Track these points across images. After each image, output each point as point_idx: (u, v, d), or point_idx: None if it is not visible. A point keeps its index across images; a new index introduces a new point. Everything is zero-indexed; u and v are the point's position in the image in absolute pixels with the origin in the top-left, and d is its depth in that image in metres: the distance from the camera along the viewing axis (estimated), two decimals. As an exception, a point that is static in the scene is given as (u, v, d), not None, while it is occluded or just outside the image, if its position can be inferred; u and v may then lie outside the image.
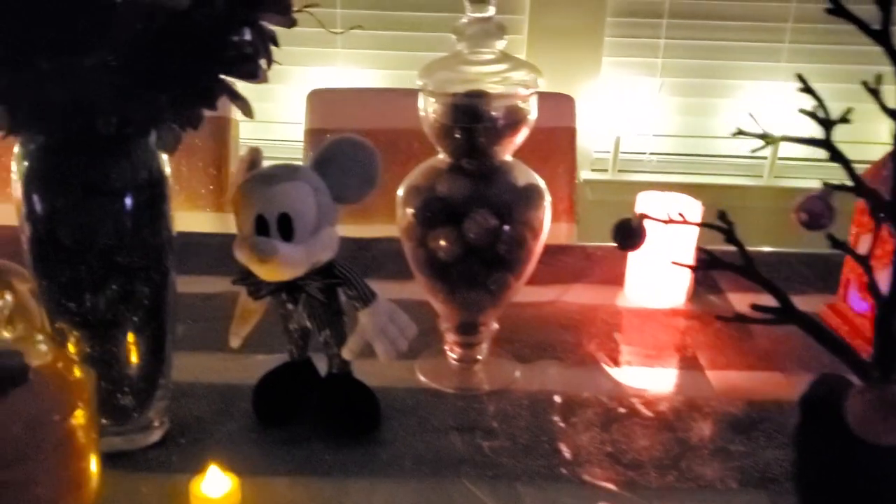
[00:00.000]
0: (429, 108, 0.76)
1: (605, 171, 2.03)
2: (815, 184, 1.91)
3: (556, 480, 0.69)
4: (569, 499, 0.67)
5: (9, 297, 0.50)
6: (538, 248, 0.78)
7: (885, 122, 0.54)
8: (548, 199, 0.78)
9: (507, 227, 0.75)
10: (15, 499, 0.51)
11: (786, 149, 1.99)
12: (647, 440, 0.75)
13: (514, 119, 0.75)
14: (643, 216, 0.62)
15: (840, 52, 1.90)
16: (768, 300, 0.60)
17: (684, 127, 2.02)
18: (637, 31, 1.93)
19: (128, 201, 0.64)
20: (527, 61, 0.76)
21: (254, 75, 0.61)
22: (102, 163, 0.62)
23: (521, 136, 0.76)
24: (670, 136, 2.02)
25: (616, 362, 0.88)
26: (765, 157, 2.00)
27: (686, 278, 1.01)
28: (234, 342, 0.76)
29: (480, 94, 0.75)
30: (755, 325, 0.96)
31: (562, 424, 0.77)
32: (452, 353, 0.85)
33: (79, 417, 0.51)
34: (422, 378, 0.83)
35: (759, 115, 1.87)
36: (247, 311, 0.76)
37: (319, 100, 1.43)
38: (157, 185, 0.66)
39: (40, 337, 0.52)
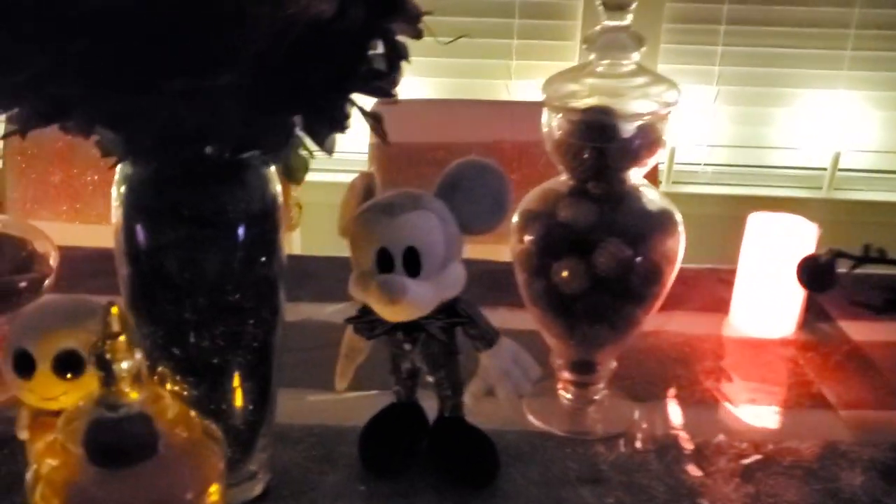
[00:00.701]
0: (553, 124, 0.69)
1: (659, 182, 1.96)
2: (876, 196, 1.82)
3: (707, 543, 0.62)
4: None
5: (139, 354, 0.43)
6: (671, 280, 0.71)
7: None
8: (682, 226, 0.71)
9: (639, 258, 0.68)
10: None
11: (846, 159, 1.92)
12: (795, 492, 0.68)
13: (650, 139, 0.68)
14: (834, 253, 0.54)
15: (906, 59, 1.83)
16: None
17: (740, 137, 1.94)
18: (694, 37, 1.86)
19: (240, 233, 0.57)
20: (664, 76, 0.68)
21: (387, 93, 0.54)
22: (216, 192, 0.56)
23: (655, 158, 0.69)
24: (726, 146, 1.95)
25: (739, 400, 0.81)
26: (825, 169, 1.93)
27: (796, 305, 0.94)
28: (341, 385, 0.69)
29: (611, 111, 0.68)
30: (880, 358, 0.89)
31: (699, 474, 0.70)
32: (566, 393, 0.78)
33: (213, 495, 0.44)
34: (533, 420, 0.76)
35: (818, 124, 1.78)
36: (353, 350, 0.69)
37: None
38: (271, 214, 0.59)
39: (169, 399, 0.45)
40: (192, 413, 0.46)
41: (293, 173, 0.55)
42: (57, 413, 0.64)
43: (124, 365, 0.42)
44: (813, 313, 0.96)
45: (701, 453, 0.72)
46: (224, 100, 0.46)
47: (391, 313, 0.60)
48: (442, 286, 0.61)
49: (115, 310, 0.42)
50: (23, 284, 0.75)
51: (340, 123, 0.52)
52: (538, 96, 0.70)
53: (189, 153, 0.51)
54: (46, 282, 0.77)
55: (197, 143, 0.49)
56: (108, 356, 0.42)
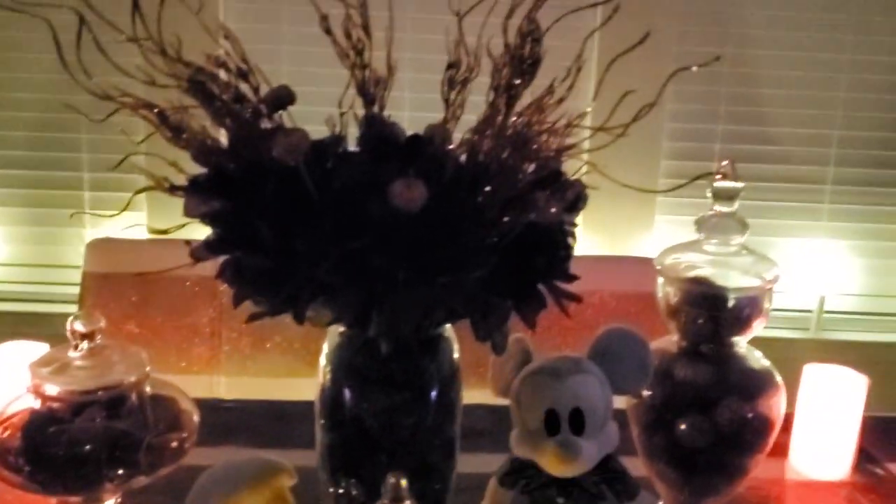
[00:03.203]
0: (669, 291, 0.79)
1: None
2: (862, 337, 1.95)
3: None
4: None
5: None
6: (775, 434, 0.79)
7: None
8: (782, 385, 0.80)
9: (751, 414, 0.77)
10: None
11: (832, 302, 2.07)
12: None
13: (756, 308, 0.78)
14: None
15: (880, 212, 2.02)
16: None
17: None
18: (687, 191, 2.02)
19: (433, 396, 0.64)
20: (765, 255, 0.79)
21: (570, 277, 0.63)
22: (417, 361, 0.63)
23: (760, 324, 0.79)
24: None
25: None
26: (810, 311, 2.07)
27: (850, 449, 1.03)
28: (490, 535, 0.74)
29: (720, 287, 0.78)
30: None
31: None
32: (674, 537, 0.84)
33: None
34: (646, 565, 0.82)
35: (804, 270, 1.91)
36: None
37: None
38: (455, 378, 0.66)
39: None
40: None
41: (497, 347, 0.62)
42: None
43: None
44: (863, 457, 1.05)
45: None
46: (471, 288, 0.55)
47: (563, 470, 0.67)
48: (603, 444, 0.68)
49: (403, 482, 0.48)
50: (175, 444, 0.79)
51: (543, 304, 0.60)
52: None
53: (414, 329, 0.59)
54: (192, 440, 0.81)
55: (446, 320, 0.56)
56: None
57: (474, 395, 0.77)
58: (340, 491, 0.63)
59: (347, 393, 0.63)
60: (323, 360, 0.64)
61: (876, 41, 1.90)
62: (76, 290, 1.66)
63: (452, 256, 0.53)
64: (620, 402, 0.80)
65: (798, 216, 2.05)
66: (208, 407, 0.84)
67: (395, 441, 0.62)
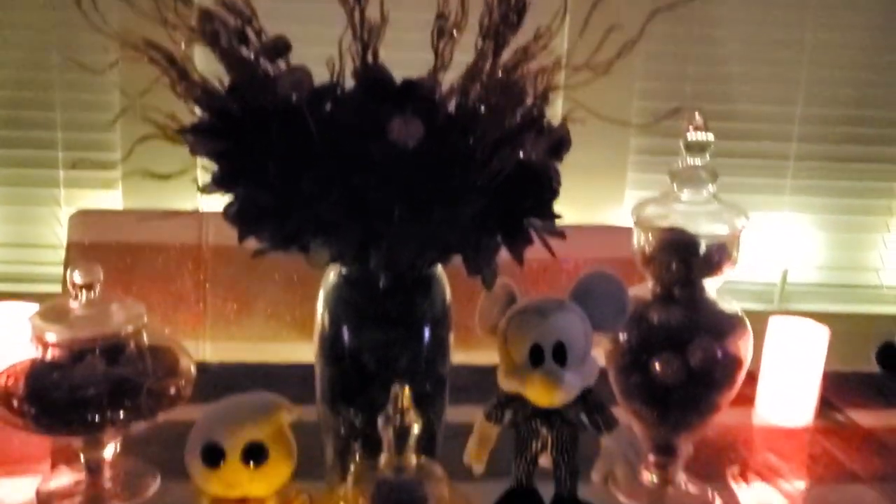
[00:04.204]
0: (642, 242, 0.83)
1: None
2: (825, 308, 2.02)
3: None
4: None
5: (417, 427, 0.52)
6: (743, 374, 0.84)
7: None
8: (750, 328, 0.85)
9: (720, 354, 0.82)
10: None
11: (795, 275, 2.14)
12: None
13: (726, 254, 0.83)
14: (909, 341, 0.69)
15: (842, 187, 2.09)
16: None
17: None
18: (657, 167, 2.08)
19: (426, 333, 0.68)
20: (735, 204, 0.84)
21: (554, 216, 0.67)
22: (411, 298, 0.67)
23: (729, 269, 0.84)
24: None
25: (790, 478, 0.93)
26: (774, 284, 2.14)
27: (813, 397, 1.09)
28: (479, 468, 0.78)
29: (691, 234, 0.82)
30: (891, 440, 1.04)
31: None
32: (650, 475, 0.89)
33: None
34: (623, 499, 0.87)
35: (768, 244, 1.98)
36: (486, 438, 0.79)
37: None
38: (446, 318, 0.70)
39: (438, 469, 0.54)
40: (447, 484, 0.55)
41: (487, 282, 0.66)
42: (237, 500, 0.72)
43: (415, 430, 0.52)
44: (825, 405, 1.11)
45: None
46: (463, 224, 0.58)
47: (548, 398, 0.71)
48: (584, 375, 0.72)
49: (406, 390, 0.52)
50: (173, 391, 0.82)
51: (529, 242, 0.64)
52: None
53: (409, 266, 0.63)
54: (189, 387, 0.84)
55: (439, 257, 0.60)
56: (404, 425, 0.51)
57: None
58: (341, 418, 0.67)
59: (345, 329, 0.67)
60: (321, 301, 0.67)
61: (838, 20, 1.97)
62: (54, 269, 1.68)
63: (446, 194, 0.56)
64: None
65: (762, 191, 2.12)
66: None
67: (391, 375, 0.66)
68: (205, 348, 1.38)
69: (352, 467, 0.57)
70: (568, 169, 0.73)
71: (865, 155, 2.07)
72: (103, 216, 1.50)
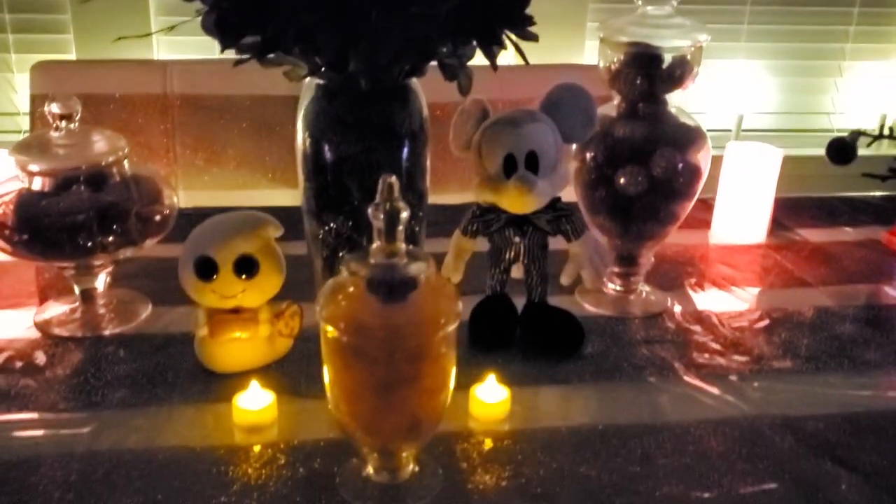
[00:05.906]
0: (610, 57, 0.86)
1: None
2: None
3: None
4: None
5: (405, 213, 0.56)
6: (702, 185, 0.89)
7: None
8: (709, 139, 0.89)
9: (681, 164, 0.86)
10: (411, 389, 0.58)
11: (750, 120, 2.19)
12: (806, 339, 0.88)
13: (687, 67, 0.86)
14: (856, 133, 0.74)
15: (795, 31, 2.12)
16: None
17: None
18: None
19: (406, 146, 0.71)
20: (697, 21, 0.87)
21: (527, 20, 0.69)
22: (391, 109, 0.69)
23: (690, 82, 0.87)
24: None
25: (742, 285, 1.01)
26: (729, 130, 2.20)
27: (765, 218, 1.15)
28: (457, 278, 0.84)
29: (655, 47, 0.85)
30: (835, 253, 1.12)
31: (735, 335, 0.89)
32: (613, 284, 0.95)
33: (452, 326, 0.58)
34: (589, 307, 0.93)
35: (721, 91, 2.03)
36: (462, 251, 0.84)
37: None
38: (423, 132, 0.73)
39: (425, 254, 0.58)
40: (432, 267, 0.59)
41: (463, 87, 0.69)
42: (231, 311, 0.76)
43: (404, 215, 0.55)
44: (777, 224, 1.18)
45: (726, 323, 0.91)
46: (440, 25, 0.61)
47: (520, 204, 0.75)
48: (555, 183, 0.77)
49: (394, 180, 0.55)
50: (158, 217, 0.85)
51: (502, 46, 0.67)
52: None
53: (388, 67, 0.65)
54: (174, 214, 0.87)
55: (418, 62, 0.62)
56: (395, 210, 0.55)
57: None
58: (327, 228, 0.70)
59: (326, 143, 0.69)
60: (300, 120, 0.69)
61: None
62: (13, 138, 1.66)
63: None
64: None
65: (717, 38, 2.14)
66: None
67: (372, 183, 0.69)
68: (178, 197, 1.39)
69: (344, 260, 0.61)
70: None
71: (820, -2, 2.09)
72: (65, 66, 1.48)
